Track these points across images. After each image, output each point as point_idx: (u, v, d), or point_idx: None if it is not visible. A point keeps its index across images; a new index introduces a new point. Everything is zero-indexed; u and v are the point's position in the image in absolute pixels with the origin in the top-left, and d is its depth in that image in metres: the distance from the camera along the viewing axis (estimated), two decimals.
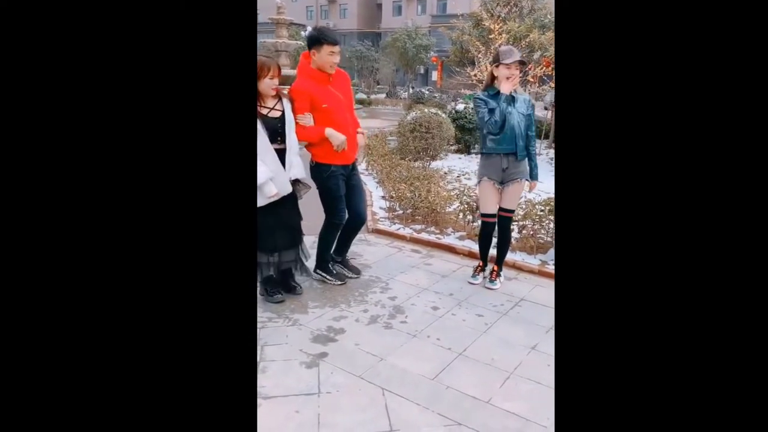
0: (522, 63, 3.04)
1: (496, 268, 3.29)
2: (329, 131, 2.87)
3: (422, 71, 34.52)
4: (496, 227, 3.28)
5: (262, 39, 23.56)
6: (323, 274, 3.23)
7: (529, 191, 3.29)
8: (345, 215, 3.11)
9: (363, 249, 3.90)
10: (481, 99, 3.09)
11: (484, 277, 3.35)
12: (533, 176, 3.17)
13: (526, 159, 3.14)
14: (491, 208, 3.21)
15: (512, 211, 3.24)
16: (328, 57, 2.81)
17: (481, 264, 3.39)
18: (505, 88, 3.00)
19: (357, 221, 3.21)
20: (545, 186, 4.95)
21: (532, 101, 3.12)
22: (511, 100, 3.03)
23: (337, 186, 3.02)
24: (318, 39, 2.78)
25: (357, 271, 3.38)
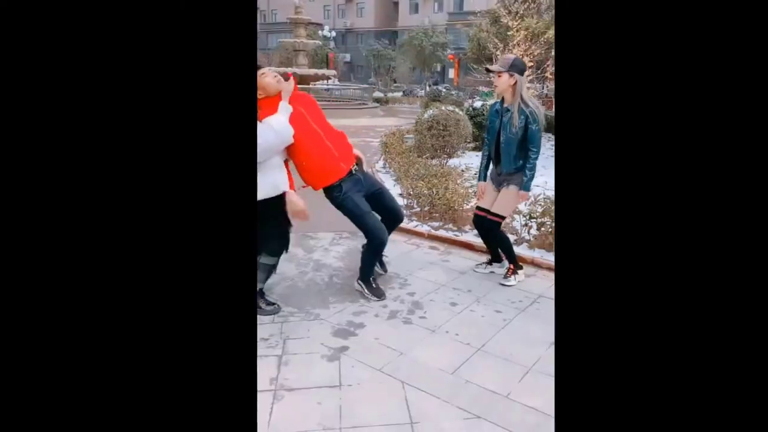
0: (489, 71, 3.12)
1: (512, 266, 3.30)
2: (289, 195, 2.61)
3: (439, 69, 34.39)
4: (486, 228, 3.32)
5: (280, 39, 23.75)
6: (363, 287, 3.01)
7: (521, 201, 3.24)
8: (381, 232, 2.84)
9: None
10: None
11: (486, 267, 3.48)
12: (524, 187, 3.10)
13: (522, 170, 3.11)
14: (482, 202, 3.32)
15: (499, 217, 3.18)
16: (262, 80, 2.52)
17: (491, 255, 3.50)
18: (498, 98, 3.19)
19: (394, 217, 3.09)
20: None
21: (535, 114, 3.02)
22: (505, 111, 3.08)
23: (354, 203, 2.76)
24: None
25: (385, 269, 3.40)
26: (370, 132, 11.17)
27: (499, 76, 3.03)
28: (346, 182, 2.75)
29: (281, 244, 2.77)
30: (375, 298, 2.98)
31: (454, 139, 7.05)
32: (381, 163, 7.28)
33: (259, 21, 51.34)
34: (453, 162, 7.16)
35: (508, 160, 3.12)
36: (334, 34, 38.91)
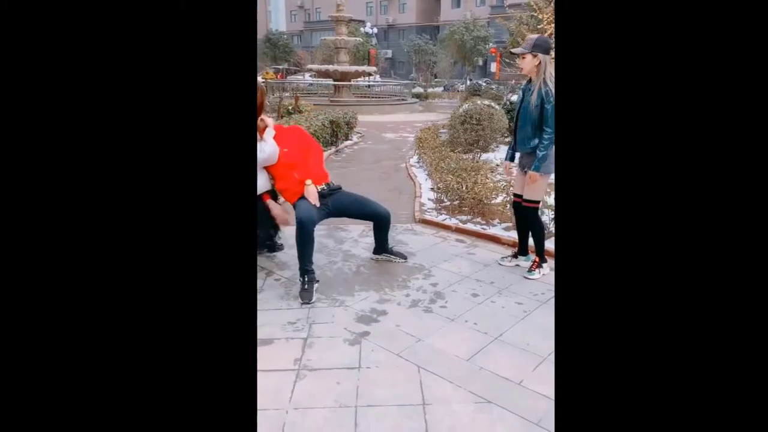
0: (513, 54, 3.30)
1: (537, 259, 3.31)
2: (269, 203, 3.31)
3: (481, 63, 33.95)
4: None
5: (323, 36, 24.02)
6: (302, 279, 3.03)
7: (529, 182, 3.15)
8: (301, 217, 2.99)
9: (409, 238, 4.00)
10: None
11: (511, 260, 3.49)
12: (533, 167, 3.07)
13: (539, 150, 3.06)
14: (515, 188, 3.38)
15: (531, 202, 3.20)
16: None
17: (517, 247, 3.52)
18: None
19: (378, 219, 3.37)
20: None
21: (551, 93, 3.00)
22: (527, 91, 3.11)
23: (301, 207, 3.09)
24: None
25: (403, 256, 3.53)
26: (408, 127, 11.22)
27: (523, 58, 3.05)
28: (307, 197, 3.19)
29: (262, 221, 3.39)
30: (300, 300, 2.91)
31: (487, 134, 7.02)
32: (415, 158, 7.34)
33: (303, 19, 52.03)
34: (487, 156, 7.14)
35: (522, 139, 3.16)
36: (375, 30, 39.01)
